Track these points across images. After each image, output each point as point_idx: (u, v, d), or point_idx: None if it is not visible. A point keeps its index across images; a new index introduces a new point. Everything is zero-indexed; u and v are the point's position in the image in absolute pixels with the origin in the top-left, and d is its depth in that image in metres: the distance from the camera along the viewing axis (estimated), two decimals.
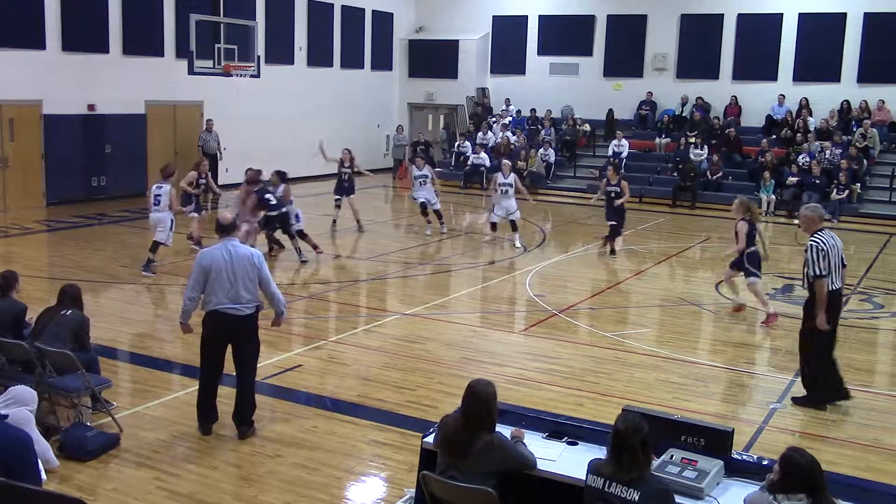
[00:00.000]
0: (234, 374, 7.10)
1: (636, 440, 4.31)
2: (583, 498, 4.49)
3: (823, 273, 7.61)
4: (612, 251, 15.21)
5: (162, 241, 12.64)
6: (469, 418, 4.81)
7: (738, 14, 24.30)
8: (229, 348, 7.05)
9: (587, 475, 4.46)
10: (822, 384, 8.02)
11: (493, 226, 15.84)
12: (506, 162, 16.68)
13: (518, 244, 15.39)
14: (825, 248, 7.66)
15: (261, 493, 6.07)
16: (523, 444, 5.00)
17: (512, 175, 15.73)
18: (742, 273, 11.19)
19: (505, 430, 5.08)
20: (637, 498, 4.24)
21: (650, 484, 4.30)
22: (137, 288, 12.34)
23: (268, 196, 13.39)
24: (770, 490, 4.22)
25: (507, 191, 15.50)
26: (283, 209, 13.72)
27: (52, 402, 7.00)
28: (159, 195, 12.70)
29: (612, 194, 15.01)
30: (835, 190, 20.40)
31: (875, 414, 8.03)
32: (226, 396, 7.21)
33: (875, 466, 6.82)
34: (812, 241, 7.74)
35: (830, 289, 7.71)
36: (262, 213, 13.35)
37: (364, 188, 23.04)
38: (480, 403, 4.83)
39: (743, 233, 10.88)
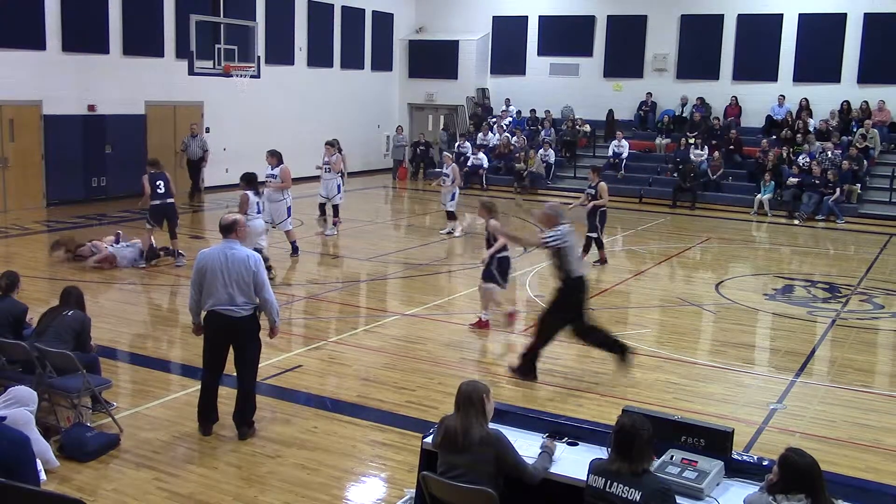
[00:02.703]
0: (235, 374, 7.10)
1: (644, 432, 4.34)
2: (583, 498, 4.48)
3: (549, 242, 8.36)
4: (602, 260, 14.25)
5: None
6: (463, 414, 4.83)
7: (738, 14, 24.31)
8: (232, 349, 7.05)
9: (588, 475, 4.46)
10: (600, 335, 8.66)
11: (450, 214, 16.71)
12: (447, 154, 17.28)
13: (448, 230, 16.62)
14: (568, 240, 8.43)
15: (261, 494, 6.06)
16: (549, 456, 4.97)
17: (451, 166, 16.71)
18: (486, 279, 10.30)
19: (518, 434, 5.13)
20: (638, 498, 4.23)
21: (651, 484, 4.30)
22: (137, 288, 12.35)
23: (158, 182, 13.10)
24: (769, 491, 4.22)
25: (445, 181, 16.65)
26: (169, 200, 13.19)
27: (52, 402, 7.01)
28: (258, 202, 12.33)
29: (590, 196, 14.11)
30: (830, 192, 20.40)
31: (875, 415, 8.03)
32: (227, 397, 7.21)
33: (875, 467, 6.82)
34: (564, 233, 8.46)
35: (581, 275, 8.55)
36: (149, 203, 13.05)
37: (363, 189, 23.06)
38: (473, 398, 4.85)
39: (497, 230, 10.15)
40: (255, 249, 11.79)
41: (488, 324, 10.40)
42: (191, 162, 20.81)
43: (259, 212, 12.27)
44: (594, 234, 14.09)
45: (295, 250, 14.15)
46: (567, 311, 8.55)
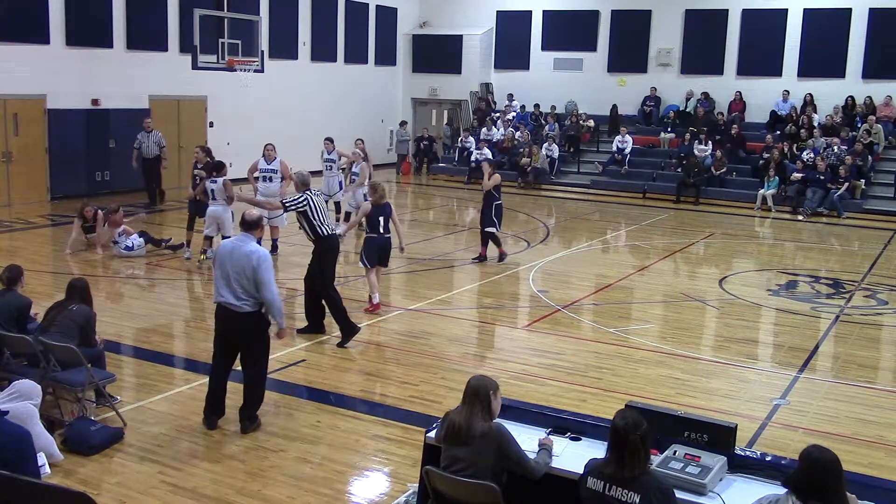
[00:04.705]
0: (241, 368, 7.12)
1: (636, 437, 4.25)
2: (579, 496, 4.44)
3: (288, 205, 9.47)
4: (495, 257, 13.78)
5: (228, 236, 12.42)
6: (468, 408, 4.84)
7: (743, 9, 24.26)
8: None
9: (587, 477, 4.40)
10: (341, 311, 9.42)
11: (347, 216, 15.33)
12: (356, 151, 15.99)
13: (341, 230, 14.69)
14: (315, 203, 9.43)
15: (264, 488, 6.08)
16: (548, 452, 4.96)
17: (360, 164, 15.51)
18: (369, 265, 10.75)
19: (521, 429, 5.12)
20: (638, 501, 4.18)
21: (650, 484, 4.23)
22: (141, 283, 12.37)
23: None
24: (792, 490, 4.08)
25: (353, 180, 15.66)
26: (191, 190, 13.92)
27: (56, 396, 7.03)
28: (213, 189, 12.79)
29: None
30: (835, 186, 20.34)
31: (879, 410, 8.03)
32: (233, 391, 7.21)
33: (879, 463, 6.82)
34: (306, 197, 9.43)
35: (329, 234, 9.49)
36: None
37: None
38: (480, 393, 4.86)
39: (362, 212, 10.80)
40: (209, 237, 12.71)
41: (378, 306, 10.80)
42: (145, 161, 18.59)
43: (213, 199, 12.77)
44: (490, 229, 13.57)
45: (274, 248, 13.93)
46: (326, 267, 9.52)
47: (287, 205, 9.50)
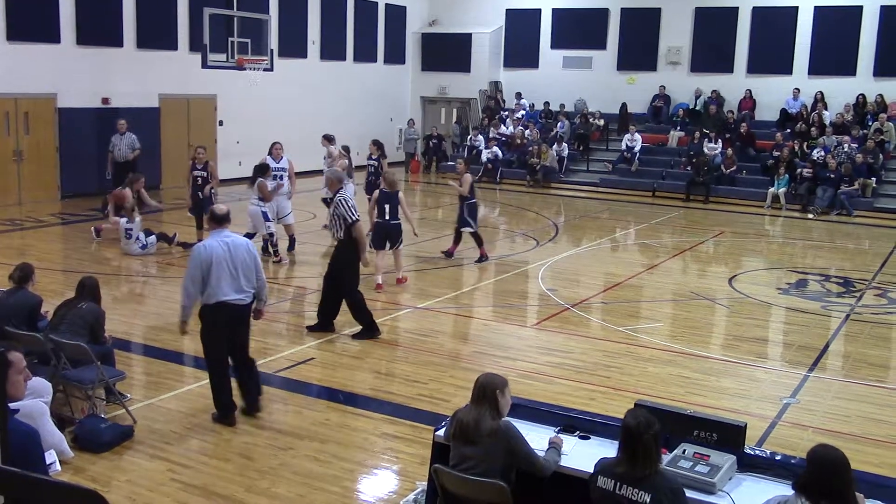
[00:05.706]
0: (236, 359, 7.24)
1: (649, 436, 4.25)
2: (590, 496, 4.44)
3: (358, 218, 9.31)
4: (483, 257, 13.66)
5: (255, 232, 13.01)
6: (476, 406, 4.84)
7: (753, 7, 24.17)
8: None
9: (597, 476, 4.40)
10: (365, 313, 9.45)
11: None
12: (333, 149, 15.01)
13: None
14: (351, 199, 9.47)
15: (273, 486, 6.09)
16: (557, 451, 4.96)
17: (341, 162, 14.26)
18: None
19: (530, 427, 5.13)
20: (649, 500, 4.17)
21: (661, 483, 4.23)
22: (151, 280, 12.41)
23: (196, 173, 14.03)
24: (802, 491, 4.04)
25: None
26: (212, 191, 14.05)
27: (66, 393, 7.07)
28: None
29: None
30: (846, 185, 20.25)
31: (889, 410, 7.99)
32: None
33: (890, 462, 6.79)
34: (339, 197, 9.40)
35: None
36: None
37: None
38: (487, 390, 4.86)
39: (373, 200, 11.76)
40: (269, 234, 13.06)
41: (381, 287, 11.46)
42: (118, 164, 17.14)
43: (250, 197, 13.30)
44: (467, 229, 13.49)
45: (292, 245, 13.91)
46: (354, 263, 9.44)
47: (353, 218, 9.29)
